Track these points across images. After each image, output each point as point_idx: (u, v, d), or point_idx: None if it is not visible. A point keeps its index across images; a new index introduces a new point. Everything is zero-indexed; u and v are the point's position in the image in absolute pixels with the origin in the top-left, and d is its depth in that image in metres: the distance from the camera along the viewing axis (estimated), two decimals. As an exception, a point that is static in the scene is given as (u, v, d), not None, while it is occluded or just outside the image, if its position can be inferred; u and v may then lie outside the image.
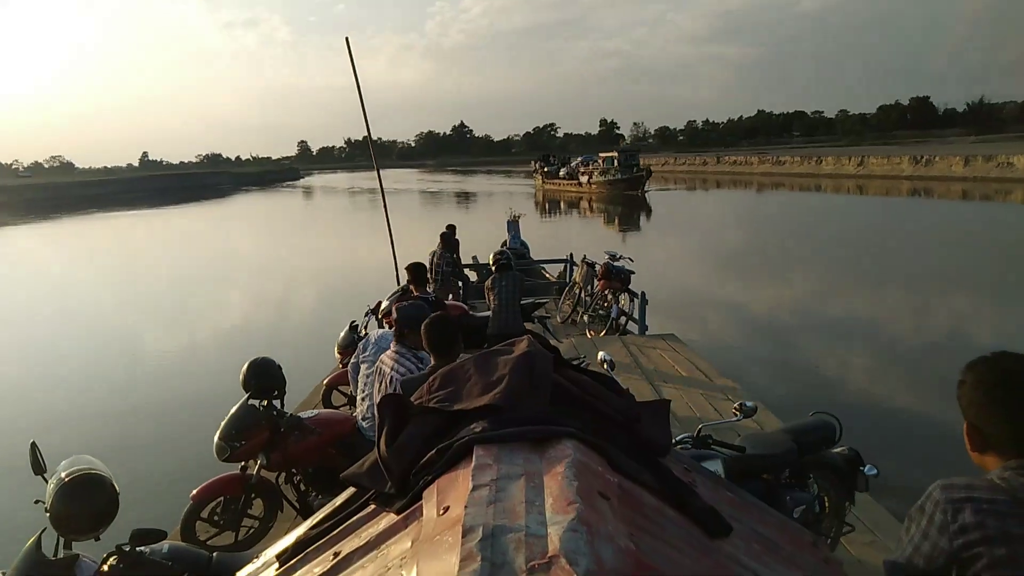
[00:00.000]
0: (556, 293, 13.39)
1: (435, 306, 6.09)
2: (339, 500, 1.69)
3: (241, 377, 4.63)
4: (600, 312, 11.46)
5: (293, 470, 4.84)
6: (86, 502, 2.60)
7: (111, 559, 2.66)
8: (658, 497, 1.39)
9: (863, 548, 4.25)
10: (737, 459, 3.62)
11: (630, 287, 10.93)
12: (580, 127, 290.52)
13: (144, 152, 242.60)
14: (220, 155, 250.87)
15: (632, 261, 11.47)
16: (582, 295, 11.97)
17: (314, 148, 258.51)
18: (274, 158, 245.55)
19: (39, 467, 2.74)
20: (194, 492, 4.56)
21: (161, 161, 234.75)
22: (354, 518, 1.51)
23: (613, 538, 1.00)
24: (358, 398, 5.09)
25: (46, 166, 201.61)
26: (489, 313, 8.30)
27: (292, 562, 1.51)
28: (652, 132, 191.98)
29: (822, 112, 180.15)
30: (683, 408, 6.70)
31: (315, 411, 5.20)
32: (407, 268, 7.14)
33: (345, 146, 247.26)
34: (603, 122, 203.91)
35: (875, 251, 21.44)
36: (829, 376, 10.57)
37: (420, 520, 1.23)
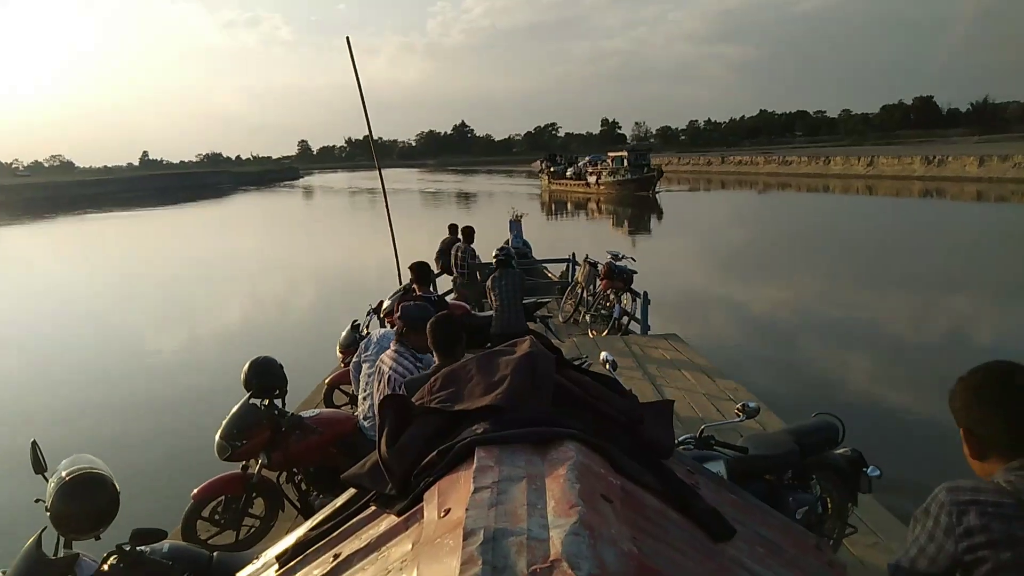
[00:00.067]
0: (558, 293, 13.37)
1: (439, 306, 6.09)
2: (339, 501, 1.68)
3: (242, 376, 4.63)
4: (602, 312, 11.45)
5: (294, 469, 4.84)
6: (87, 501, 2.60)
7: (111, 558, 2.66)
8: (661, 499, 1.38)
9: (866, 550, 4.24)
10: (740, 460, 3.61)
11: (632, 287, 10.92)
12: (582, 127, 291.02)
13: (144, 151, 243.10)
14: (220, 154, 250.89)
15: (635, 261, 11.46)
16: (584, 295, 11.96)
17: (314, 147, 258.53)
18: (274, 157, 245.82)
19: (40, 466, 2.74)
20: (195, 491, 4.55)
21: (161, 160, 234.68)
22: (354, 519, 1.50)
23: (616, 542, 0.98)
24: (359, 397, 5.09)
25: (46, 165, 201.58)
26: (492, 313, 8.29)
27: (292, 564, 1.50)
28: (654, 132, 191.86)
29: (824, 112, 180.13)
30: (685, 408, 6.69)
31: (316, 410, 5.20)
32: (410, 267, 7.14)
33: (346, 145, 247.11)
34: (604, 121, 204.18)
35: (890, 253, 21.26)
36: (832, 377, 10.55)
37: (421, 522, 1.22)
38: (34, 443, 2.76)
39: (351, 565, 1.28)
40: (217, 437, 4.54)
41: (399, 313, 4.56)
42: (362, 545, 1.32)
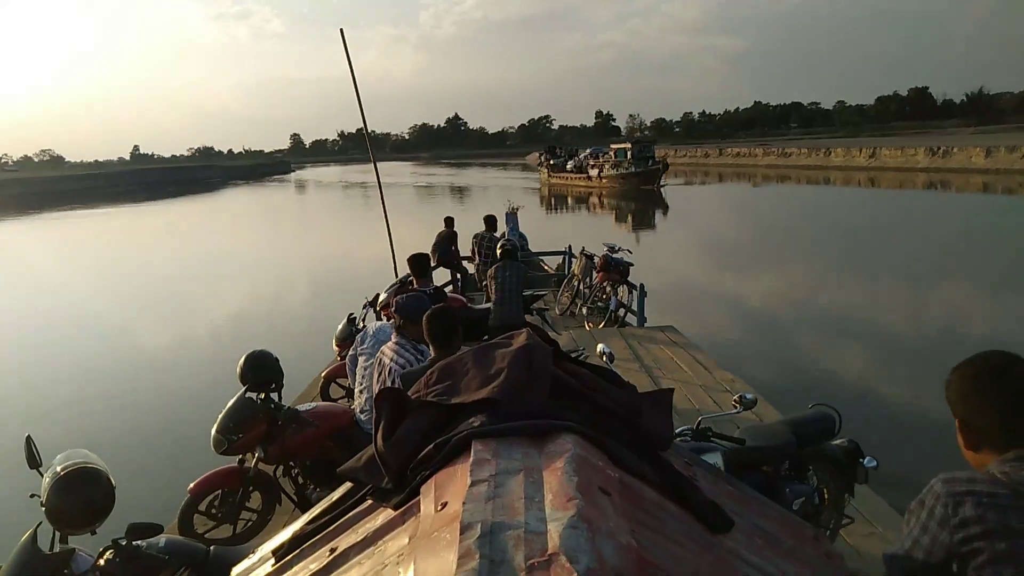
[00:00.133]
0: (555, 285, 13.37)
1: (435, 298, 6.07)
2: (336, 495, 1.68)
3: (238, 370, 4.62)
4: (599, 304, 11.44)
5: (291, 463, 4.83)
6: (82, 496, 2.59)
7: (107, 553, 2.65)
8: (659, 491, 1.38)
9: (862, 540, 4.25)
10: (737, 451, 3.61)
11: (629, 279, 10.92)
12: (576, 119, 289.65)
13: (135, 146, 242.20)
14: (212, 148, 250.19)
15: (631, 253, 11.45)
16: (581, 287, 11.95)
17: (307, 141, 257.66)
18: (267, 151, 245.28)
19: (34, 461, 2.73)
20: (192, 485, 4.54)
21: (152, 155, 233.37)
22: (351, 513, 1.49)
23: (614, 535, 0.98)
24: (356, 391, 5.08)
25: (36, 160, 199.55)
26: (488, 306, 8.28)
27: (288, 558, 1.50)
28: (648, 124, 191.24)
29: (819, 103, 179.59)
30: (682, 400, 6.69)
31: (313, 404, 5.19)
32: (408, 260, 7.12)
33: (338, 139, 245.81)
34: (599, 114, 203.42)
35: (894, 246, 21.07)
36: (829, 368, 10.57)
37: (418, 516, 1.21)
38: (28, 438, 2.75)
39: (347, 559, 1.28)
40: (213, 431, 4.53)
41: (394, 307, 4.55)
42: (359, 539, 1.32)
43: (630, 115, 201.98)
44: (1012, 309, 13.67)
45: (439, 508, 1.14)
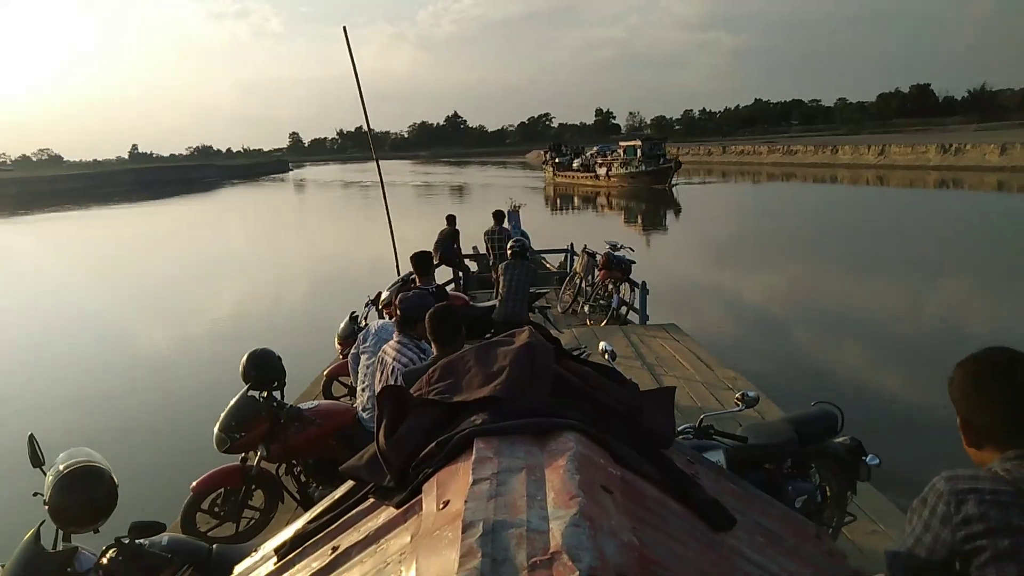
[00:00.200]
0: (557, 283, 13.36)
1: (438, 296, 6.08)
2: (338, 493, 1.68)
3: (241, 368, 4.62)
4: (601, 302, 11.44)
5: (293, 461, 4.83)
6: (85, 494, 2.59)
7: (110, 551, 2.65)
8: (661, 489, 1.37)
9: (865, 538, 4.25)
10: (739, 449, 3.61)
11: (631, 277, 10.91)
12: (575, 117, 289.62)
13: (134, 145, 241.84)
14: (211, 147, 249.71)
15: (633, 251, 11.45)
16: (583, 285, 11.95)
17: (306, 140, 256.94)
18: (266, 150, 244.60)
19: (37, 459, 2.73)
20: (194, 484, 4.55)
21: (151, 154, 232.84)
22: (353, 512, 1.49)
23: (616, 533, 0.98)
24: (358, 389, 5.08)
25: (34, 159, 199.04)
26: (491, 303, 8.31)
27: (291, 556, 1.50)
28: (648, 121, 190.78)
29: (819, 100, 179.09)
30: (685, 398, 6.69)
31: (315, 402, 5.19)
32: (411, 258, 7.12)
33: (337, 137, 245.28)
34: (599, 112, 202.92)
35: (916, 245, 20.77)
36: (832, 366, 10.56)
37: (420, 514, 1.21)
38: (31, 436, 2.75)
39: (349, 558, 1.28)
40: (216, 429, 4.53)
41: (397, 305, 4.54)
42: (361, 537, 1.32)
43: (630, 113, 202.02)
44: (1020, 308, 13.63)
45: (441, 506, 1.14)
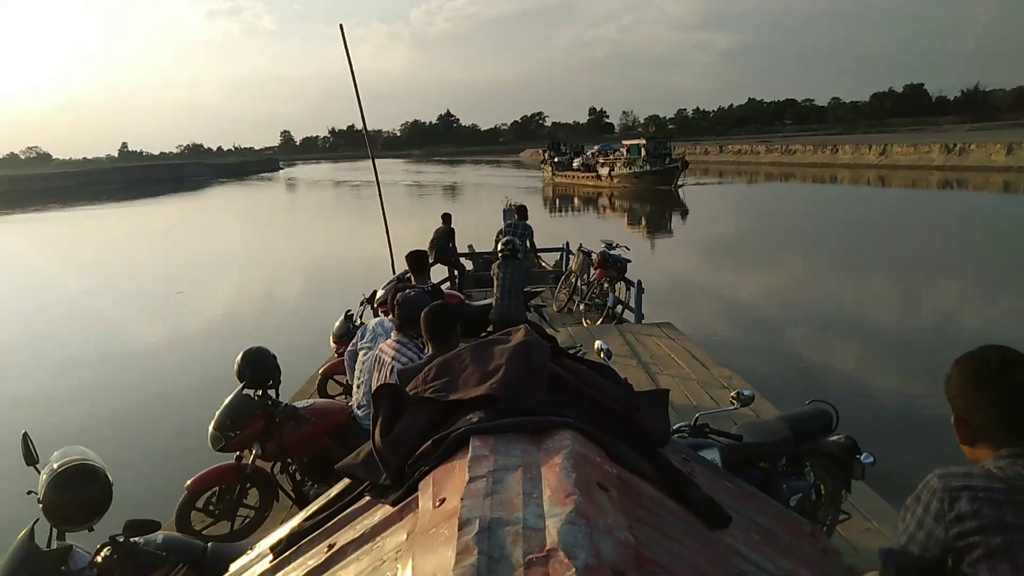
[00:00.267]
0: (552, 282, 13.37)
1: (434, 295, 6.07)
2: (334, 491, 1.68)
3: (235, 367, 4.62)
4: (596, 301, 11.46)
5: (288, 460, 4.83)
6: (79, 493, 2.59)
7: (105, 550, 2.65)
8: (657, 488, 1.38)
9: (859, 536, 4.27)
10: (734, 448, 3.62)
11: (626, 276, 10.92)
12: (569, 116, 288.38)
13: (124, 143, 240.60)
14: (201, 146, 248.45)
15: (628, 249, 11.46)
16: (578, 284, 11.96)
17: (298, 138, 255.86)
18: (257, 148, 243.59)
19: (31, 458, 2.72)
20: (189, 482, 4.55)
21: (141, 152, 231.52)
22: (349, 510, 1.49)
23: (612, 531, 0.98)
24: (354, 387, 5.07)
25: (22, 157, 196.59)
26: (486, 302, 8.33)
27: (286, 554, 1.50)
28: (641, 121, 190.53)
29: (813, 100, 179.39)
30: (680, 397, 6.71)
31: (310, 400, 5.20)
32: (406, 257, 7.12)
33: (329, 136, 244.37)
34: (592, 111, 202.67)
35: (923, 247, 20.63)
36: (826, 365, 10.59)
37: (416, 512, 1.21)
38: (25, 435, 2.74)
39: (345, 555, 1.28)
40: (211, 428, 4.53)
41: (395, 304, 4.53)
42: (356, 535, 1.32)
43: (623, 112, 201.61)
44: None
45: (437, 504, 1.14)
